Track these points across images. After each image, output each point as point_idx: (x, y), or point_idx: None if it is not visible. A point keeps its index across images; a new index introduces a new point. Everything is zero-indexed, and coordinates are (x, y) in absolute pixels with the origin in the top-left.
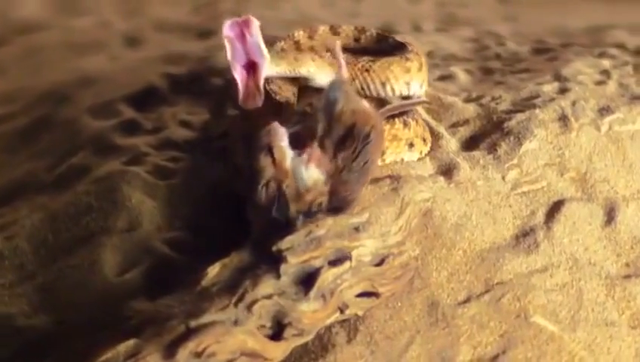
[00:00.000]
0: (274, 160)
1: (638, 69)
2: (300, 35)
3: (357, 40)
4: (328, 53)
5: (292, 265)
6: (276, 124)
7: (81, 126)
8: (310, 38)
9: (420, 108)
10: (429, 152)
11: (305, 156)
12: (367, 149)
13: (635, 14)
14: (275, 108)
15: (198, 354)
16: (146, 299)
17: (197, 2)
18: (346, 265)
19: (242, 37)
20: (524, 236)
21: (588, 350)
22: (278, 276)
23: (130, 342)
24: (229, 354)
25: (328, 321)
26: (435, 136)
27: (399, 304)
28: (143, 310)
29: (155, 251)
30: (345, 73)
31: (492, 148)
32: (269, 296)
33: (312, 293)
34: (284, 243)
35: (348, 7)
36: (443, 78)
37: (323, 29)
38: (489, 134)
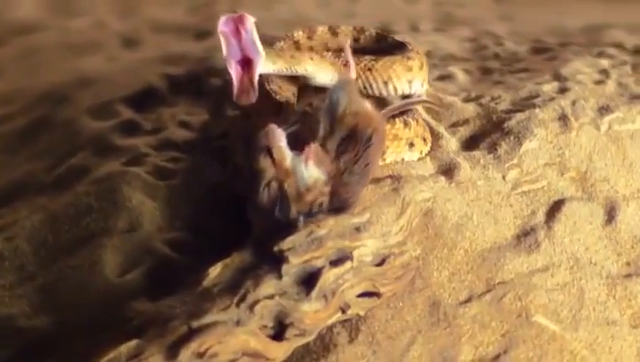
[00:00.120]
0: (273, 160)
1: (636, 68)
2: (299, 35)
3: (356, 40)
4: (329, 53)
5: (293, 266)
6: (273, 126)
7: (80, 127)
8: (309, 38)
9: (420, 108)
10: (429, 152)
11: (304, 155)
12: (368, 152)
13: (631, 14)
14: (275, 108)
15: (201, 355)
16: (148, 299)
17: (193, 3)
18: (348, 265)
19: (237, 33)
20: (525, 236)
21: (589, 349)
22: (280, 276)
23: (132, 343)
24: (231, 355)
25: (330, 321)
26: (435, 135)
27: (401, 304)
28: (144, 310)
29: (155, 252)
30: (353, 74)
31: (492, 148)
32: (270, 296)
33: (314, 293)
34: (286, 243)
35: (344, 7)
36: (442, 77)
37: (322, 29)
38: (489, 134)
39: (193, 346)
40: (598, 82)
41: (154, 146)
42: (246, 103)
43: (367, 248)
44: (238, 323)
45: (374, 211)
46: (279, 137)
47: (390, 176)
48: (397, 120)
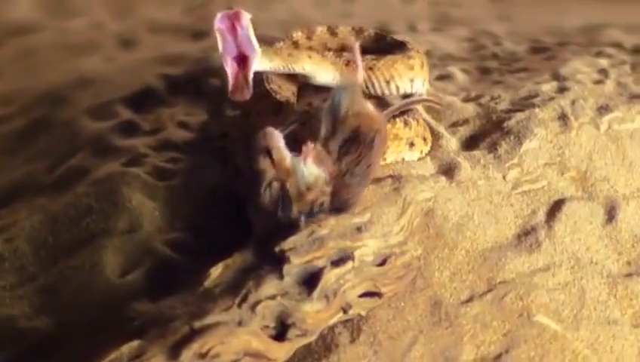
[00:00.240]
0: (273, 161)
1: (635, 67)
2: (298, 35)
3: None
4: (331, 53)
5: (295, 266)
6: (270, 128)
7: (79, 127)
8: (309, 38)
9: (419, 108)
10: (429, 152)
11: (303, 154)
12: (370, 154)
13: (628, 13)
14: (275, 108)
15: (203, 355)
16: (149, 300)
17: (189, 3)
18: (349, 265)
19: (233, 30)
20: (526, 235)
21: (591, 349)
22: (281, 276)
23: (134, 344)
24: (233, 355)
25: (331, 321)
26: (435, 135)
27: (402, 304)
28: (145, 311)
29: (156, 252)
30: (361, 76)
31: (492, 148)
32: (272, 297)
33: (316, 294)
34: (287, 243)
35: (341, 7)
36: (441, 77)
37: (321, 29)
38: (489, 134)
39: (195, 347)
40: (598, 82)
41: (153, 147)
42: (240, 100)
43: (368, 248)
44: (239, 323)
45: (375, 211)
46: (277, 139)
47: (391, 176)
48: (397, 119)
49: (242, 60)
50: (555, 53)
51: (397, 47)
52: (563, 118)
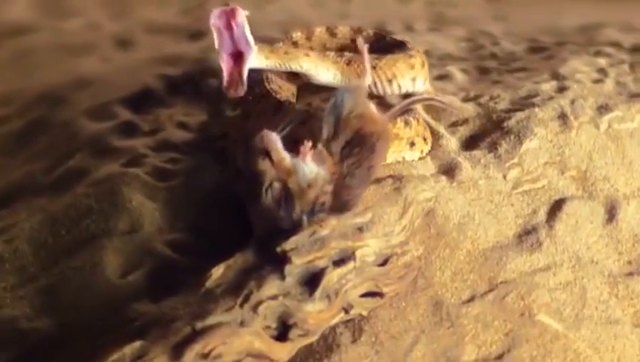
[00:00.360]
0: (272, 162)
1: (634, 67)
2: (297, 35)
3: (354, 40)
4: (332, 53)
5: (297, 266)
6: (267, 131)
7: (77, 128)
8: (308, 39)
9: (419, 107)
10: (429, 151)
11: (301, 154)
12: (372, 156)
13: (624, 13)
14: (275, 108)
15: (205, 356)
16: (150, 300)
17: (185, 4)
18: (350, 265)
19: (229, 26)
20: (527, 235)
21: (592, 348)
22: (283, 277)
23: (136, 344)
24: (235, 355)
25: (333, 321)
26: (435, 135)
27: (403, 304)
28: (147, 312)
29: (156, 253)
30: (368, 80)
31: (492, 147)
32: (274, 297)
33: (317, 294)
34: (289, 243)
35: (337, 7)
36: (440, 77)
37: (320, 29)
38: (489, 133)
39: (197, 347)
40: (597, 81)
41: (152, 147)
42: (234, 96)
43: (369, 248)
44: (241, 323)
45: (376, 211)
46: (275, 141)
47: (392, 176)
48: (398, 119)
49: (238, 57)
50: (553, 53)
51: (396, 47)
52: (563, 117)
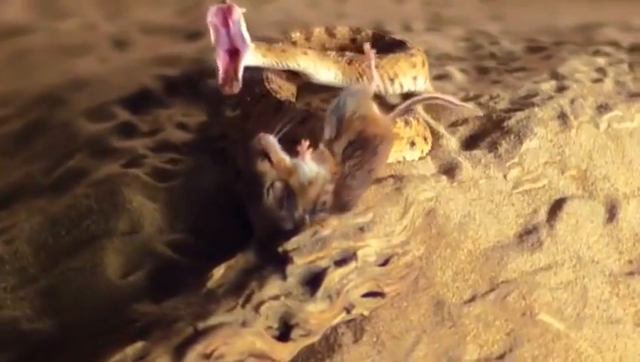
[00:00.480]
0: (272, 163)
1: (633, 66)
2: (296, 36)
3: (353, 40)
4: (333, 52)
5: (298, 266)
6: (264, 134)
7: (76, 129)
8: (307, 39)
9: (419, 107)
10: (430, 151)
11: (300, 154)
12: (373, 159)
13: (621, 12)
14: (275, 108)
15: (207, 356)
16: (151, 301)
17: (180, 4)
18: (352, 265)
19: (226, 23)
20: (528, 234)
21: (594, 347)
22: (285, 277)
23: (138, 345)
24: (237, 356)
25: (335, 322)
26: (435, 135)
27: (405, 304)
28: (148, 312)
29: (157, 253)
30: (375, 86)
31: (493, 147)
32: (275, 297)
33: (319, 294)
34: (290, 243)
35: (333, 7)
36: (439, 77)
37: (318, 30)
38: (489, 133)
39: (199, 348)
40: (596, 80)
41: (152, 148)
42: (229, 93)
43: (371, 248)
44: (243, 324)
45: (377, 211)
46: (272, 143)
47: (392, 176)
48: (398, 118)
49: (234, 54)
50: (551, 53)
51: (396, 46)
52: (563, 117)
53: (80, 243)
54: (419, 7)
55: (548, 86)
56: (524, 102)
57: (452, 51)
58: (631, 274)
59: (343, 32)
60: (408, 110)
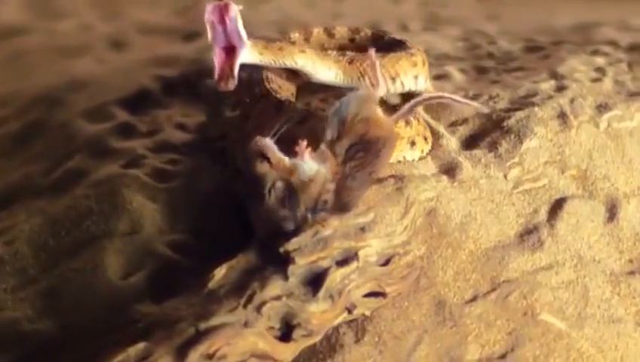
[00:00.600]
0: (271, 164)
1: (632, 66)
2: (295, 36)
3: (352, 40)
4: (334, 52)
5: (300, 266)
6: (259, 137)
7: (75, 129)
8: (306, 40)
9: (419, 107)
10: (430, 151)
11: (299, 154)
12: (375, 161)
13: (617, 12)
14: (275, 108)
15: (210, 357)
16: (152, 301)
17: (175, 5)
18: (353, 265)
19: (223, 21)
20: (529, 234)
21: (596, 347)
22: (286, 277)
23: (140, 346)
24: (239, 356)
25: (336, 322)
26: (435, 135)
27: (406, 303)
28: (149, 313)
29: (158, 254)
30: (381, 92)
31: (493, 147)
32: (277, 298)
33: (321, 294)
34: (292, 244)
35: (330, 7)
36: (438, 77)
37: (317, 30)
38: (489, 133)
39: (202, 348)
40: (595, 80)
41: (151, 148)
42: (225, 90)
43: (372, 248)
44: (245, 324)
45: (378, 211)
46: (269, 145)
47: (393, 176)
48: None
49: (230, 51)
50: (550, 52)
51: (396, 46)
52: (562, 116)
53: (80, 244)
54: (415, 7)
55: (547, 85)
56: (524, 102)
57: (450, 51)
58: (632, 273)
59: (341, 32)
60: (412, 111)
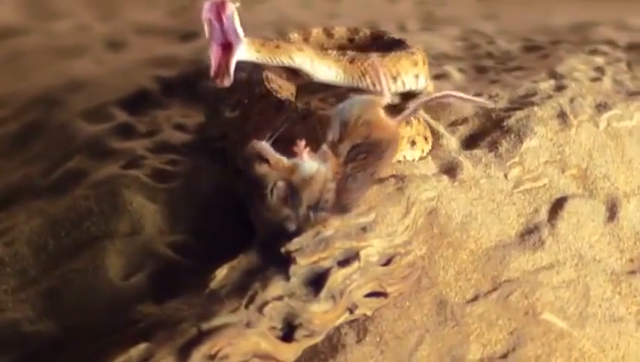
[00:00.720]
0: (270, 165)
1: (631, 65)
2: (294, 37)
3: (351, 40)
4: (334, 51)
5: (301, 267)
6: (255, 141)
7: (74, 130)
8: (306, 40)
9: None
10: (430, 151)
11: (298, 155)
12: (377, 163)
13: (615, 11)
14: (276, 107)
15: (212, 357)
16: (153, 302)
17: (172, 5)
18: (355, 265)
19: (220, 18)
20: (529, 234)
21: (597, 346)
22: (288, 277)
23: (142, 346)
24: (241, 356)
25: (338, 322)
26: (435, 134)
27: (407, 303)
28: (151, 313)
29: (158, 254)
30: (386, 100)
31: (493, 147)
32: (279, 298)
33: (322, 294)
34: (293, 244)
35: (327, 7)
36: (437, 77)
37: (316, 30)
38: (489, 132)
39: (204, 348)
40: (594, 79)
41: (151, 149)
42: (220, 86)
43: (373, 248)
44: (247, 324)
45: (379, 211)
46: (266, 148)
47: (394, 176)
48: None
49: (227, 48)
50: (549, 52)
51: (395, 45)
52: (562, 116)
53: (80, 244)
54: (412, 6)
55: (547, 85)
56: (524, 102)
57: (449, 51)
58: (632, 272)
59: (341, 32)
60: (417, 111)
